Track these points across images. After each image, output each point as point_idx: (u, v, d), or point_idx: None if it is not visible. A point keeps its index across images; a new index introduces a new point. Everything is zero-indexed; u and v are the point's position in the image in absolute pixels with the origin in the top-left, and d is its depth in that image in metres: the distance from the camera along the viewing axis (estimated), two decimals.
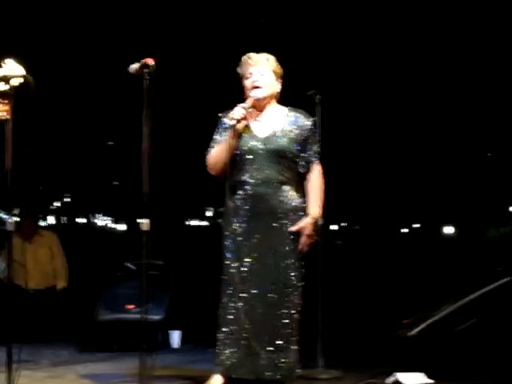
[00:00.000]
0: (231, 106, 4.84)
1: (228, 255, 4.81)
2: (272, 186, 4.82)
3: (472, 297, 5.26)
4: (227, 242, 4.83)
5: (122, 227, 24.07)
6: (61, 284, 7.77)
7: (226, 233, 4.85)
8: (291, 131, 4.87)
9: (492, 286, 5.29)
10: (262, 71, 4.87)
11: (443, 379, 5.03)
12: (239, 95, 4.90)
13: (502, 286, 5.29)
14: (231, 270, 4.78)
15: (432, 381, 5.06)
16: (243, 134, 4.83)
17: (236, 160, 4.85)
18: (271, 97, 4.92)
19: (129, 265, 7.10)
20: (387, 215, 20.21)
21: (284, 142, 4.84)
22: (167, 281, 6.72)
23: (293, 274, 4.79)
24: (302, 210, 4.87)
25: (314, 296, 5.50)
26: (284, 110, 4.97)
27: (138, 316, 6.31)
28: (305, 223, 4.78)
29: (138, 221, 4.29)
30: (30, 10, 8.51)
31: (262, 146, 4.84)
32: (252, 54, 4.92)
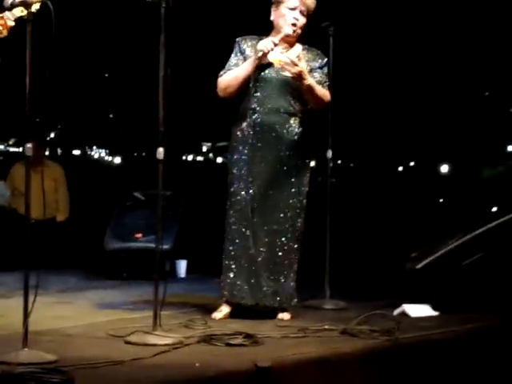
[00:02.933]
0: (248, 33, 4.84)
1: (234, 182, 4.89)
2: (280, 116, 4.88)
3: (479, 231, 5.32)
4: (234, 169, 4.89)
5: (117, 160, 24.04)
6: (61, 216, 7.80)
7: (233, 160, 4.92)
8: (306, 68, 4.88)
9: (499, 221, 5.35)
10: (304, 11, 4.88)
11: (448, 311, 5.12)
12: (256, 23, 4.90)
13: (509, 221, 5.35)
14: (237, 198, 4.87)
15: (437, 313, 5.15)
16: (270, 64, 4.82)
17: (246, 87, 4.87)
18: (297, 37, 4.94)
19: (137, 194, 7.14)
20: (383, 153, 20.23)
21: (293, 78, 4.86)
22: (175, 211, 6.77)
23: (296, 202, 4.90)
24: (306, 144, 4.95)
25: (321, 230, 5.57)
26: (300, 46, 4.99)
27: (147, 245, 6.46)
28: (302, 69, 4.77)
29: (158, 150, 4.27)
30: None
31: (274, 75, 4.87)
32: None
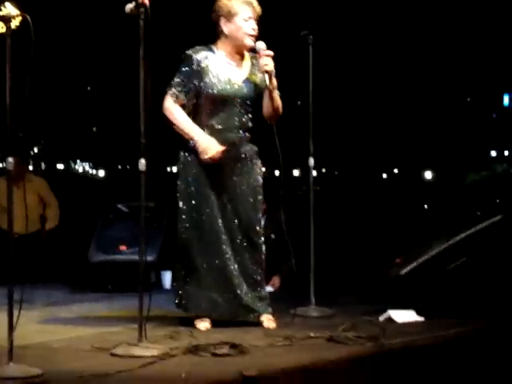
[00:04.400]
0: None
1: (193, 201, 4.86)
2: (239, 133, 4.89)
3: (462, 235, 5.34)
4: (192, 188, 4.86)
5: (101, 173, 24.00)
6: (51, 224, 7.79)
7: (189, 178, 4.87)
8: (257, 78, 4.90)
9: (483, 225, 5.37)
10: (257, 18, 4.86)
11: (433, 317, 5.13)
12: None
13: (492, 225, 5.37)
14: (200, 217, 4.85)
15: (423, 318, 5.16)
16: (215, 77, 4.82)
17: (203, 103, 4.86)
18: None
19: (120, 206, 7.14)
20: (367, 160, 20.29)
21: (256, 87, 4.90)
22: (159, 222, 6.78)
23: (255, 210, 4.94)
24: (259, 159, 4.99)
25: (305, 237, 5.58)
26: (247, 54, 4.97)
27: (131, 257, 6.45)
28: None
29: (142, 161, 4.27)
30: None
31: (235, 91, 4.86)
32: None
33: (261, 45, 4.82)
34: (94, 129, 21.46)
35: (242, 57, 4.95)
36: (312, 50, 5.55)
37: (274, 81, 4.83)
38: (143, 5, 4.30)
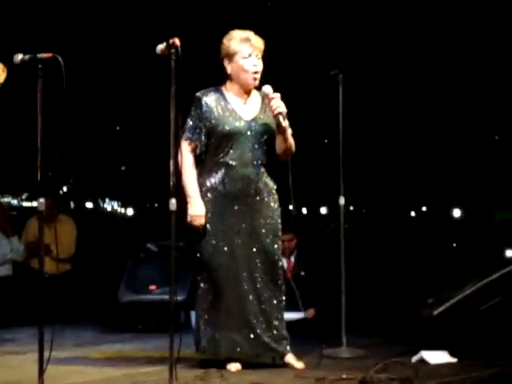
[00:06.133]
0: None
1: (208, 238, 4.85)
2: (253, 168, 4.87)
3: (496, 276, 5.27)
4: (208, 226, 4.84)
5: (130, 211, 24.05)
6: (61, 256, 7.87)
7: (208, 216, 4.85)
8: (267, 118, 4.90)
9: None
10: (258, 55, 4.86)
11: (467, 357, 5.06)
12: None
13: None
14: (217, 256, 4.82)
15: (456, 359, 5.09)
16: (225, 116, 4.84)
17: (216, 142, 4.87)
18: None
19: (150, 246, 7.14)
20: (394, 198, 20.19)
21: (266, 124, 4.89)
22: (189, 262, 6.77)
23: (274, 249, 4.88)
24: (275, 192, 4.96)
25: (336, 277, 5.54)
26: (258, 92, 4.98)
27: (161, 297, 6.45)
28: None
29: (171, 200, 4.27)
30: None
31: (246, 128, 4.86)
32: (250, 35, 4.87)
33: (267, 89, 4.83)
34: (123, 168, 21.54)
35: (251, 94, 4.95)
36: (342, 89, 5.54)
37: (287, 121, 4.82)
38: (174, 45, 4.34)
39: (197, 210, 4.82)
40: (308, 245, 7.23)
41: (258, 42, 4.87)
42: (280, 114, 4.78)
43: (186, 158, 4.83)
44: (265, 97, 4.87)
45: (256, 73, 4.84)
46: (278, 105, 4.78)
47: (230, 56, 4.86)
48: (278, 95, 4.80)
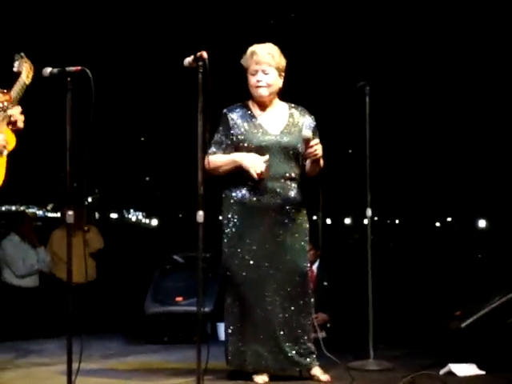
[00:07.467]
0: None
1: (234, 251, 4.83)
2: (282, 182, 4.86)
3: None
4: (233, 236, 4.84)
5: (154, 222, 24.10)
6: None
7: (233, 229, 4.85)
8: (299, 128, 4.90)
9: None
10: (266, 70, 4.86)
11: (495, 371, 5.02)
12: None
13: None
14: (244, 269, 4.80)
15: (484, 372, 5.06)
16: (251, 131, 4.85)
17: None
18: (274, 93, 4.94)
19: (176, 257, 7.15)
20: (419, 208, 20.11)
21: (294, 138, 4.88)
22: (215, 273, 6.77)
23: (301, 263, 4.85)
24: (304, 207, 4.93)
25: (363, 289, 5.52)
26: (285, 105, 5.00)
27: (188, 308, 6.45)
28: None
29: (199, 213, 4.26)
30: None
31: (274, 142, 4.86)
32: (256, 50, 4.88)
33: (307, 133, 4.81)
34: (147, 178, 21.61)
35: (275, 107, 4.96)
36: (369, 101, 5.54)
37: (321, 161, 4.84)
38: (202, 58, 4.35)
39: (251, 161, 4.77)
40: (332, 255, 7.22)
41: (262, 55, 4.86)
42: (315, 158, 4.80)
43: (212, 157, 4.79)
44: (303, 141, 4.82)
45: (258, 86, 4.86)
46: (316, 153, 4.78)
47: (246, 71, 4.93)
48: (317, 141, 4.80)
